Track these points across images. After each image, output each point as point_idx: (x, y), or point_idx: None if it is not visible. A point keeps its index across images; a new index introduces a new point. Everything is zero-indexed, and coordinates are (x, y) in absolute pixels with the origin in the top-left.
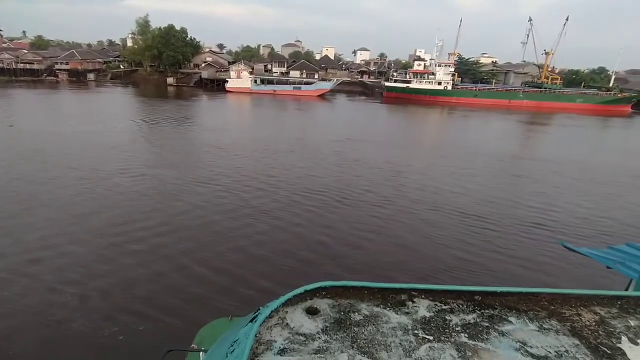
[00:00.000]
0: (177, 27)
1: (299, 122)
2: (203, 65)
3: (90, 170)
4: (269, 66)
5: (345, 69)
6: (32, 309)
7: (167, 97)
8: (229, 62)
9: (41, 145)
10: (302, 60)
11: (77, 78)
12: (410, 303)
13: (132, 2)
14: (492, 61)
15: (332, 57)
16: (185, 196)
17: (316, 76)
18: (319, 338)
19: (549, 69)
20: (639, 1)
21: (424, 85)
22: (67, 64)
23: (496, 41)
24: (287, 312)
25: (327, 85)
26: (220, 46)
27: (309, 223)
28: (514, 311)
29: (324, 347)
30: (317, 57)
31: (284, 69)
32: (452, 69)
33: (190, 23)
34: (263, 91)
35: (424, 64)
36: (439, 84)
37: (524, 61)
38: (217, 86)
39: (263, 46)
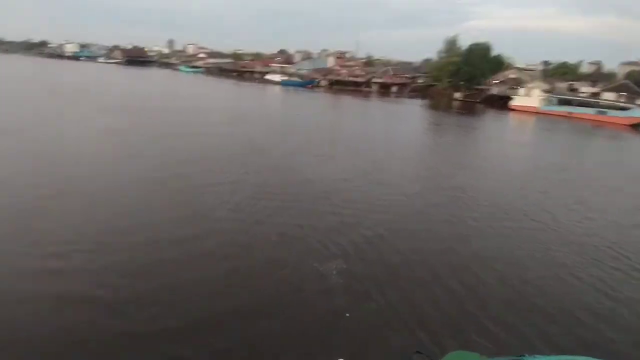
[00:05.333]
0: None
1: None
2: (496, 82)
3: None
4: (576, 85)
5: None
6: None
7: (446, 110)
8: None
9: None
10: (623, 81)
11: (385, 90)
12: None
13: (474, 23)
14: None
15: None
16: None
17: (639, 102)
18: None
19: None
20: None
21: None
22: (381, 78)
23: None
24: None
25: None
26: (546, 63)
27: None
28: None
29: None
30: None
31: (595, 90)
32: None
33: (528, 40)
34: (554, 112)
35: None
36: None
37: None
38: (503, 103)
39: (589, 63)
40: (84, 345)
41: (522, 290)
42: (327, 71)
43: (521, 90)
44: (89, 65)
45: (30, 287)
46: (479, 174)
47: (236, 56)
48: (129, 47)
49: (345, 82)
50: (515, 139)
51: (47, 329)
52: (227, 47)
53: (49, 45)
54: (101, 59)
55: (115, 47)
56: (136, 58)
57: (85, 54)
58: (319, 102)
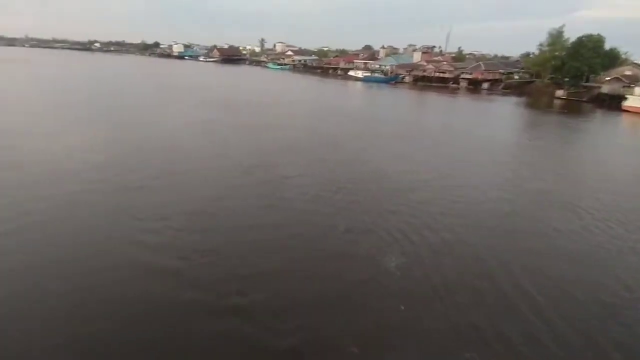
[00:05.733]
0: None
1: None
2: (607, 79)
3: None
4: None
5: None
6: None
7: (546, 109)
8: None
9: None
10: None
11: (474, 87)
12: None
13: (583, 13)
14: None
15: None
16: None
17: None
18: None
19: None
20: None
21: None
22: (470, 74)
23: None
24: None
25: None
26: None
27: None
28: None
29: None
30: None
31: None
32: None
33: None
34: None
35: None
36: None
37: None
38: (615, 103)
39: None
40: (157, 310)
41: (613, 311)
42: (412, 67)
43: (637, 90)
44: (191, 63)
45: (124, 256)
46: (577, 181)
47: (321, 53)
48: (226, 46)
49: (431, 78)
50: (627, 144)
51: (128, 291)
52: (314, 44)
53: (160, 46)
54: (201, 58)
55: (214, 47)
56: (231, 56)
57: (188, 53)
58: (401, 98)
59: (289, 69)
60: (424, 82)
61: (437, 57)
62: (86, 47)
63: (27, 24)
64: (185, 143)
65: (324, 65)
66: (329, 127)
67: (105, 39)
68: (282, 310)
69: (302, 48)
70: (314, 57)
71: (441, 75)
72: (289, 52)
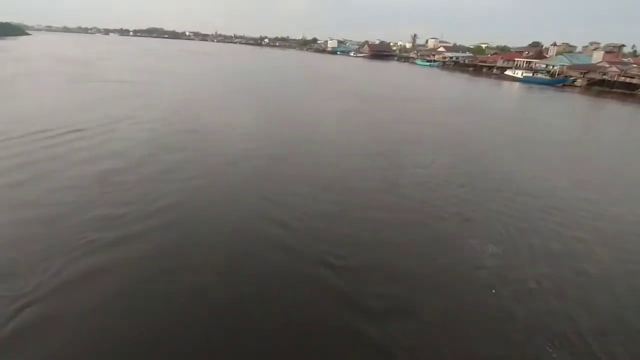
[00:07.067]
0: None
1: None
2: None
3: None
4: None
5: None
6: None
7: None
8: None
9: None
10: None
11: None
12: None
13: None
14: None
15: None
16: None
17: None
18: None
19: None
20: None
21: None
22: None
23: None
24: None
25: None
26: None
27: None
28: None
29: None
30: None
31: None
32: None
33: None
34: None
35: None
36: None
37: None
38: None
39: None
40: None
41: None
42: (587, 68)
43: None
44: (342, 58)
45: (256, 213)
46: None
47: (478, 50)
48: (377, 42)
49: (613, 82)
50: None
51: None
52: (473, 41)
53: (317, 42)
54: (352, 53)
55: (365, 42)
56: (380, 52)
57: (340, 48)
58: (564, 102)
59: (437, 66)
60: (602, 86)
61: (625, 58)
62: (257, 42)
63: (217, 22)
64: (321, 127)
65: (477, 63)
66: (464, 125)
67: (273, 35)
68: (376, 282)
69: (457, 44)
70: (468, 54)
71: (628, 80)
72: (441, 49)
